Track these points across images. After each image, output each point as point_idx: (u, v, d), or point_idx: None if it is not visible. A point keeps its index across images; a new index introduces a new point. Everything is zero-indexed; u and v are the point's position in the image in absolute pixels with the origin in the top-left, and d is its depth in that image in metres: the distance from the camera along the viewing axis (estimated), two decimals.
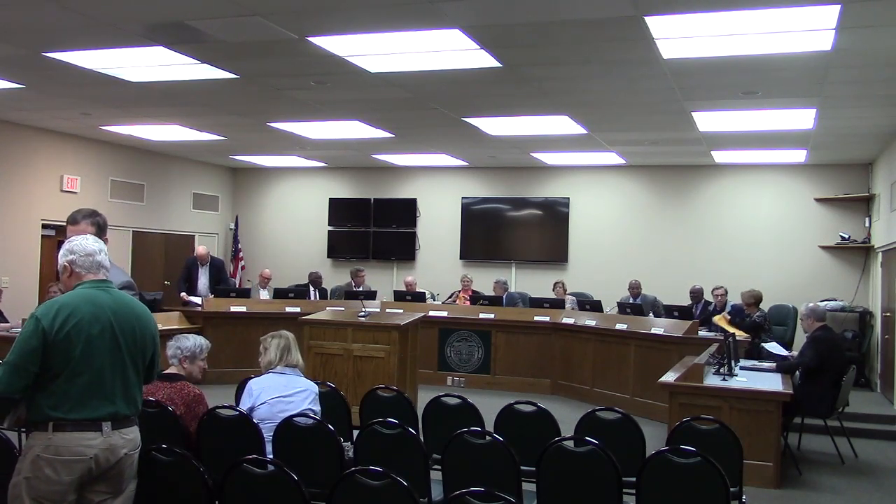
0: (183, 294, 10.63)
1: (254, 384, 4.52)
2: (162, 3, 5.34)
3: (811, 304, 7.20)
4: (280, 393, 4.39)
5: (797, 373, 7.06)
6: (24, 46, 6.54)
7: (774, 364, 7.20)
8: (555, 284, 11.39)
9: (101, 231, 3.85)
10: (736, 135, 9.61)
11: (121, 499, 3.18)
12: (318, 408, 4.43)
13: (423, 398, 5.43)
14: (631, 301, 10.52)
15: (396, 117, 9.28)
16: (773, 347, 7.74)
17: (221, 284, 10.85)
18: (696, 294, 10.37)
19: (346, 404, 5.23)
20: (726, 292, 9.99)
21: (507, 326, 10.07)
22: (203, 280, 10.76)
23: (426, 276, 13.07)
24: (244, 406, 4.39)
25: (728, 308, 9.83)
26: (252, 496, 3.32)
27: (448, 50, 6.25)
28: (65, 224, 4.05)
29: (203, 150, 12.76)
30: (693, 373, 6.27)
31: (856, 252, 11.46)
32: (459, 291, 11.67)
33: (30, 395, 3.02)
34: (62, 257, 3.26)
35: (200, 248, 11.23)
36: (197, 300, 10.44)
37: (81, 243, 3.25)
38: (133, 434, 3.19)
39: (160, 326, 10.25)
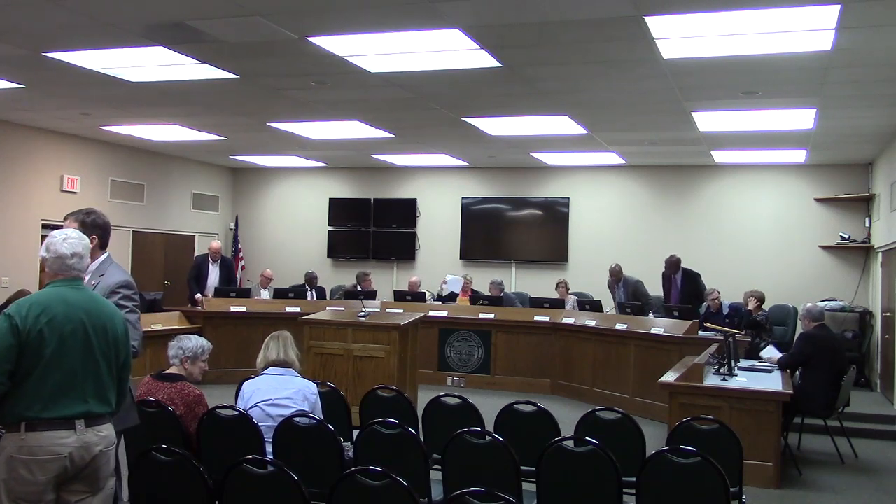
0: (198, 296, 10.44)
1: (247, 386, 4.51)
2: (162, 3, 5.34)
3: (808, 305, 7.26)
4: (271, 396, 4.37)
5: (797, 372, 7.08)
6: (24, 46, 6.54)
7: (775, 362, 7.24)
8: (557, 284, 11.37)
9: (86, 230, 3.72)
10: (736, 135, 9.61)
11: (100, 497, 3.14)
12: (310, 408, 4.38)
13: (423, 398, 5.43)
14: (615, 285, 10.48)
15: (396, 117, 9.28)
16: (769, 352, 7.69)
17: (232, 284, 10.86)
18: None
19: (346, 404, 5.23)
20: (719, 295, 9.97)
21: (507, 326, 10.07)
22: (213, 277, 10.72)
23: (426, 276, 13.05)
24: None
25: (726, 309, 9.83)
26: (252, 496, 3.32)
27: (448, 50, 6.25)
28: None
29: (203, 150, 12.76)
30: (693, 373, 6.27)
31: (856, 252, 11.46)
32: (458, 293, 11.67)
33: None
34: (41, 251, 3.22)
35: (214, 243, 11.25)
36: (208, 297, 10.40)
37: (55, 244, 3.19)
38: (107, 431, 3.15)
39: (160, 326, 10.28)
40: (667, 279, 10.39)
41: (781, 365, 7.09)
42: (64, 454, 2.99)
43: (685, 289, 10.16)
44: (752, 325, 8.90)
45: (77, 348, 3.06)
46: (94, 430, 3.08)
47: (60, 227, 3.59)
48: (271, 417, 4.27)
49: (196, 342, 4.44)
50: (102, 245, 3.81)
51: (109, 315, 3.22)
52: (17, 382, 2.97)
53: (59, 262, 3.17)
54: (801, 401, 6.60)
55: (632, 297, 10.30)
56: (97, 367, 3.11)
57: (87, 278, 3.75)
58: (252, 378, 4.59)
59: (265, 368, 4.56)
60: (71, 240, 3.23)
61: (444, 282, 11.66)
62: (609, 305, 10.73)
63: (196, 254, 13.32)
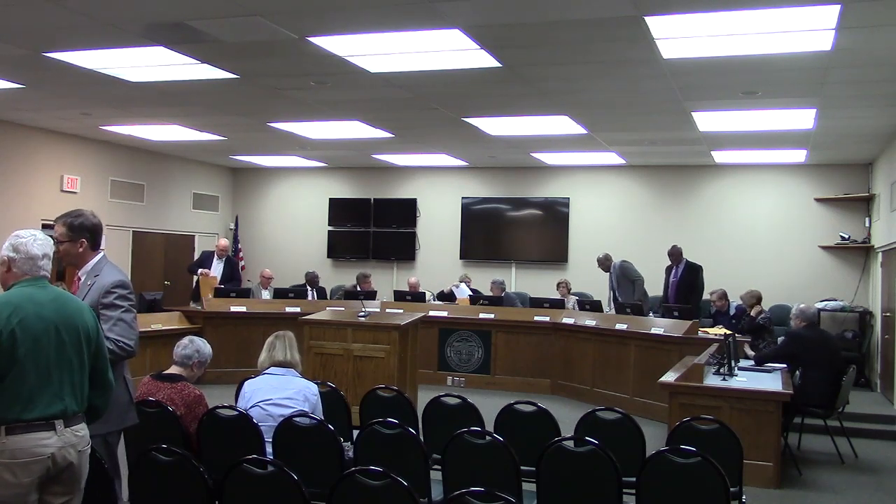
0: (203, 270, 10.69)
1: (247, 386, 4.51)
2: (162, 3, 5.34)
3: (802, 306, 7.33)
4: (271, 395, 4.37)
5: (797, 372, 7.09)
6: (24, 46, 6.54)
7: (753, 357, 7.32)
8: (559, 284, 11.38)
9: (74, 233, 3.67)
10: (736, 135, 9.61)
11: (78, 497, 3.11)
12: (311, 409, 4.37)
13: (423, 398, 5.43)
14: (607, 275, 10.57)
15: (396, 117, 9.28)
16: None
17: (234, 282, 10.95)
18: None
19: (346, 404, 5.23)
20: (721, 296, 9.95)
21: (507, 326, 10.06)
22: (216, 272, 10.86)
23: (426, 276, 13.07)
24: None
25: (732, 310, 9.81)
26: (252, 496, 3.32)
27: (448, 50, 6.25)
28: None
29: (203, 150, 12.76)
30: (693, 373, 6.27)
31: (856, 252, 11.46)
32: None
33: None
34: (4, 250, 3.14)
35: (222, 241, 11.40)
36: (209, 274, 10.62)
37: (26, 245, 3.13)
38: (84, 431, 3.11)
39: (160, 326, 10.28)
40: (668, 269, 10.42)
41: (762, 360, 7.19)
42: (46, 455, 2.94)
43: (682, 279, 10.16)
44: (755, 328, 8.84)
45: (50, 347, 3.01)
46: (73, 430, 3.04)
47: None
48: (272, 417, 4.26)
49: (209, 350, 4.54)
50: (93, 247, 3.74)
51: (78, 310, 3.16)
52: None
53: (31, 263, 3.12)
54: (801, 400, 6.61)
55: (621, 278, 10.35)
56: (71, 365, 3.06)
57: (82, 279, 3.75)
58: (253, 377, 4.59)
59: (268, 368, 4.56)
60: (40, 241, 3.17)
61: (456, 285, 11.73)
62: (609, 305, 10.72)
63: (196, 253, 13.37)
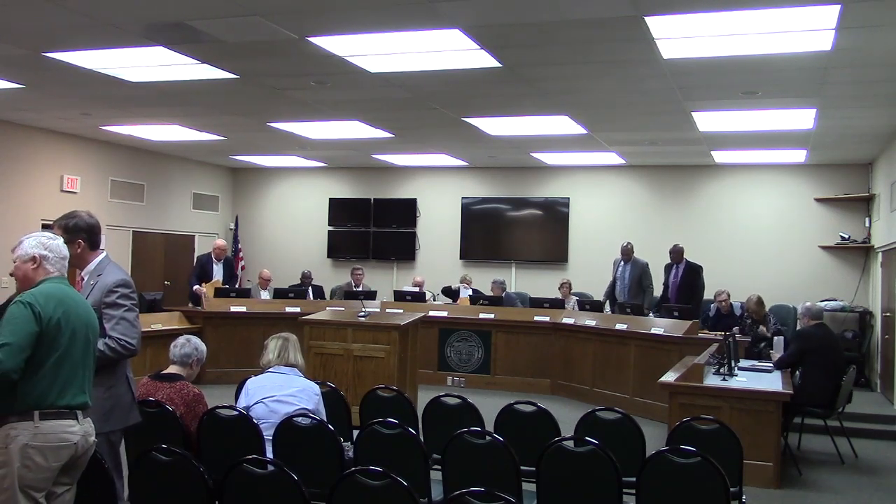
0: (196, 287, 10.33)
1: (250, 383, 4.52)
2: (162, 3, 5.35)
3: (808, 303, 7.31)
4: (275, 392, 4.37)
5: (798, 371, 7.09)
6: (24, 46, 6.54)
7: (773, 363, 7.26)
8: (561, 284, 11.37)
9: (70, 235, 3.70)
10: (736, 135, 9.61)
11: (74, 488, 3.24)
12: (314, 407, 4.38)
13: (423, 398, 5.43)
14: (622, 263, 10.45)
15: (396, 117, 9.28)
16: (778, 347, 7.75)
17: (233, 281, 10.89)
18: None
19: (346, 404, 5.23)
20: (729, 296, 9.93)
21: (507, 326, 10.07)
22: (217, 276, 10.66)
23: (426, 276, 13.05)
24: (240, 405, 4.39)
25: (738, 312, 9.78)
26: (252, 496, 3.33)
27: (448, 50, 6.25)
28: None
29: (203, 150, 12.76)
30: (693, 373, 6.27)
31: (856, 252, 11.46)
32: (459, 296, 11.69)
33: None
34: (34, 248, 3.28)
35: (219, 242, 11.05)
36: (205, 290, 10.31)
37: (58, 246, 3.34)
38: (92, 423, 3.28)
39: (160, 326, 10.25)
40: (668, 269, 10.41)
41: (780, 365, 7.09)
42: (74, 441, 3.11)
43: (683, 280, 10.15)
44: (777, 332, 8.74)
45: (80, 341, 3.20)
46: (87, 421, 3.23)
47: None
48: (276, 413, 4.26)
49: (205, 348, 4.58)
50: (92, 246, 3.79)
51: (93, 311, 3.40)
52: (31, 371, 3.04)
53: (62, 263, 3.34)
54: (801, 400, 6.60)
55: (637, 277, 10.33)
56: (90, 360, 3.27)
57: (85, 278, 3.78)
58: (254, 376, 4.59)
59: (272, 367, 4.56)
60: (63, 242, 3.40)
61: (466, 287, 11.75)
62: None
63: (197, 254, 13.29)
